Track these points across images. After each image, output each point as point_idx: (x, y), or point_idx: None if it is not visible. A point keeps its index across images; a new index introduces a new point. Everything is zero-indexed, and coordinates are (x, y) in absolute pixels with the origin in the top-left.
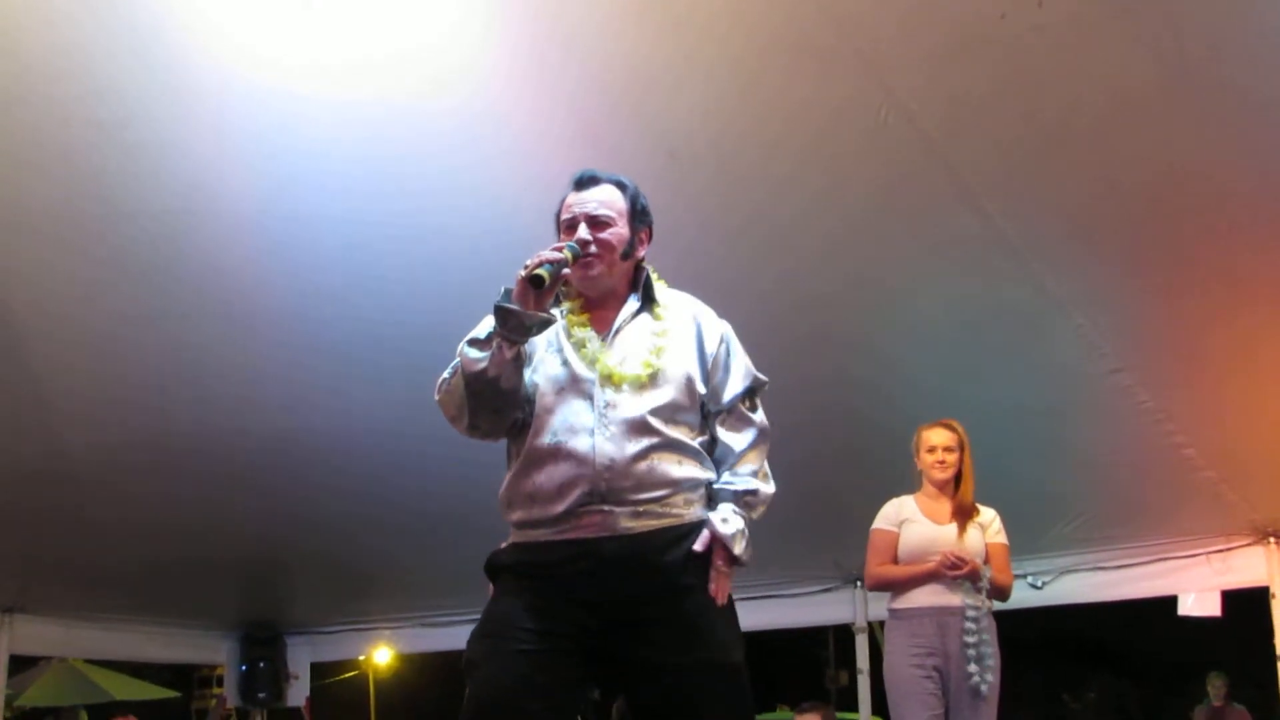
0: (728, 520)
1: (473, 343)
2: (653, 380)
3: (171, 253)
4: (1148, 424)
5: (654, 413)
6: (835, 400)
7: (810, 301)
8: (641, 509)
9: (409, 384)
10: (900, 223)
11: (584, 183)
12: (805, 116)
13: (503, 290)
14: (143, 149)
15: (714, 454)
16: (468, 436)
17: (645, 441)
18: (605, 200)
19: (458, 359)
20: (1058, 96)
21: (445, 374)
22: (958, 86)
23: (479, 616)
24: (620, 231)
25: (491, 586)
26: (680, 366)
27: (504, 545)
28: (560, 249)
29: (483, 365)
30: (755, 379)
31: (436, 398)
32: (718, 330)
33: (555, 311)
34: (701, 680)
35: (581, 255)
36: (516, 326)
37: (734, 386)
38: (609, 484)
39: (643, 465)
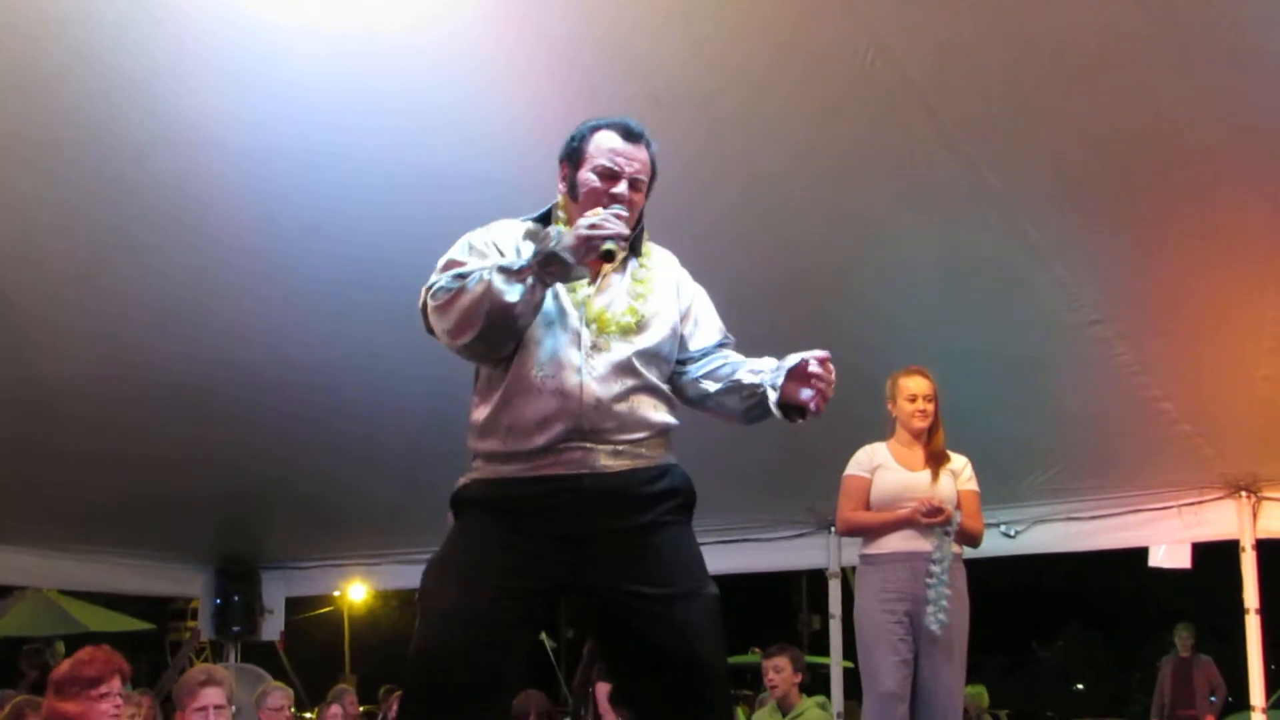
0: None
1: (503, 272)
2: (638, 326)
3: (150, 182)
4: (1124, 376)
5: (638, 356)
6: (812, 345)
7: (790, 246)
8: (620, 449)
9: (388, 320)
10: (883, 169)
11: (634, 135)
12: (789, 61)
13: (554, 233)
14: (125, 78)
15: (688, 394)
16: (453, 351)
17: (629, 383)
18: (645, 164)
19: (477, 278)
20: (1045, 46)
21: (444, 282)
22: (944, 33)
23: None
24: (642, 198)
25: (452, 517)
26: (662, 315)
27: (469, 479)
28: (621, 216)
29: (513, 301)
30: (725, 334)
31: (431, 304)
32: (693, 288)
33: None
34: (686, 609)
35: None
36: (559, 274)
37: (704, 339)
38: (592, 423)
39: (624, 406)
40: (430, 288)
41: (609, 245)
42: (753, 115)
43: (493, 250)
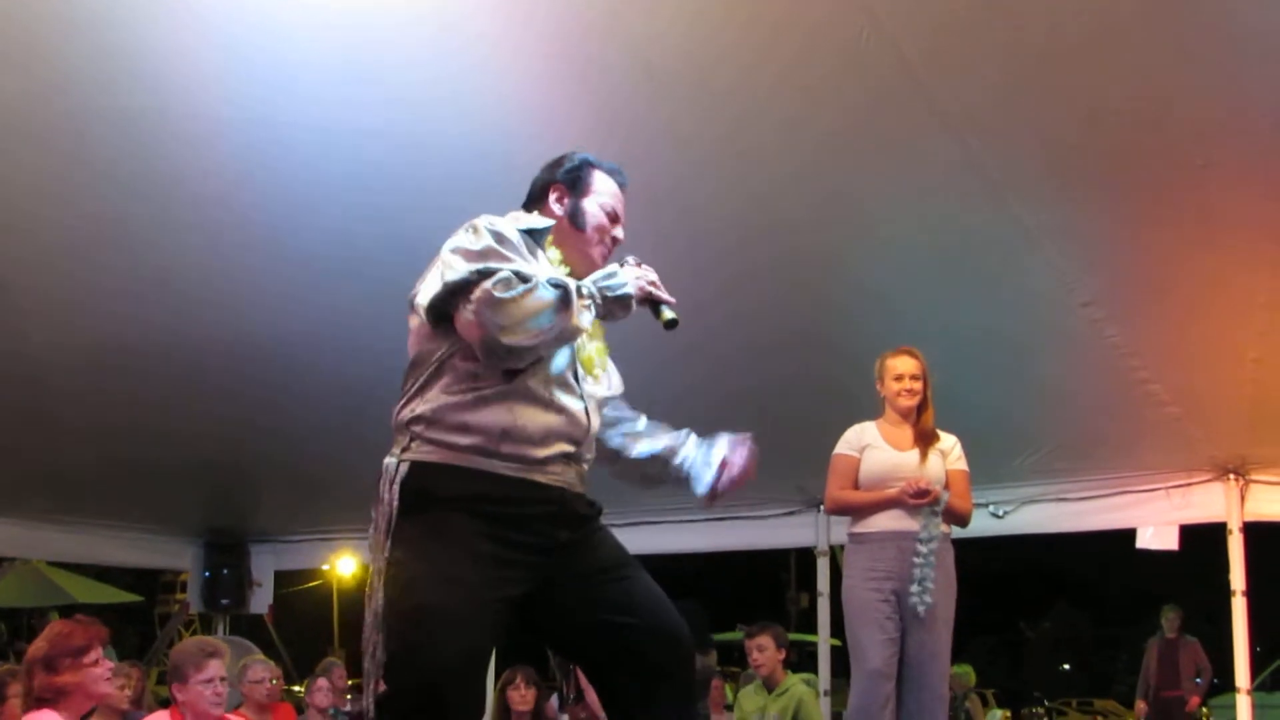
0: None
1: (580, 296)
2: (601, 372)
3: (142, 154)
4: (1114, 358)
5: (601, 400)
6: (803, 324)
7: (782, 224)
8: (583, 473)
9: (379, 295)
10: (876, 147)
11: (624, 187)
12: (783, 37)
13: (620, 275)
14: (118, 49)
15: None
16: (485, 348)
17: (599, 419)
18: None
19: (544, 285)
20: (1039, 25)
21: (507, 275)
22: (939, 11)
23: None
24: None
25: (394, 501)
26: (610, 365)
27: (430, 461)
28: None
29: (584, 327)
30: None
31: (495, 293)
32: None
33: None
34: (647, 584)
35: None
36: (618, 316)
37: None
38: (581, 451)
39: (595, 439)
40: (485, 273)
41: (673, 315)
42: (745, 92)
43: (520, 250)
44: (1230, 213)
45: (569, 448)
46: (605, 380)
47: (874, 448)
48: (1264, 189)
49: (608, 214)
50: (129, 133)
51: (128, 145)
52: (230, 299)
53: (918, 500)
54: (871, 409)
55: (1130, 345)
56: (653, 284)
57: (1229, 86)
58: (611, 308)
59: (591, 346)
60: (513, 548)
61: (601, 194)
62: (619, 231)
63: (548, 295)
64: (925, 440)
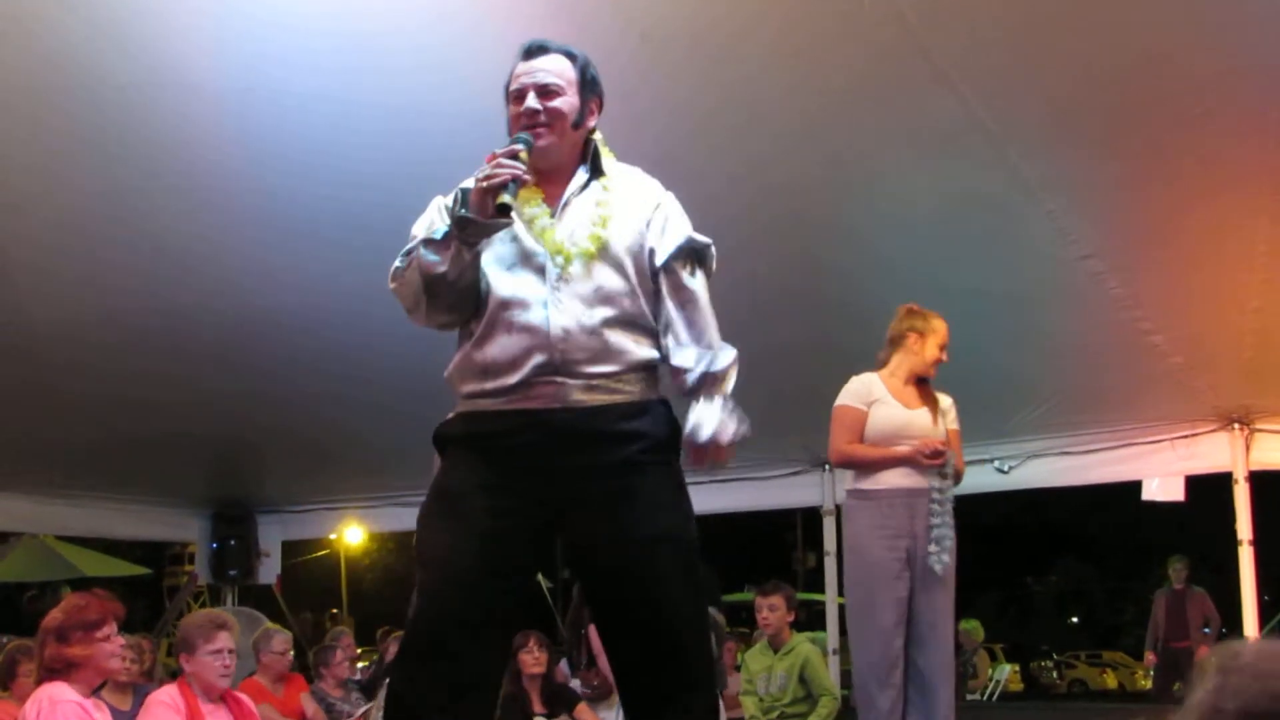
0: (702, 422)
1: (428, 244)
2: (602, 252)
3: (136, 126)
4: (1116, 310)
5: (607, 285)
6: (805, 284)
7: (782, 185)
8: (595, 383)
9: (377, 263)
10: (875, 106)
11: (533, 51)
12: None
13: (458, 193)
14: (108, 19)
15: (660, 325)
16: (424, 327)
17: (599, 314)
18: (554, 69)
19: (414, 253)
20: None
21: (398, 263)
22: None
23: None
24: (571, 100)
25: (438, 459)
26: (628, 237)
27: (451, 416)
28: (515, 153)
29: (442, 269)
30: (691, 239)
31: (391, 286)
32: (658, 198)
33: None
34: (661, 554)
35: (533, 143)
36: (476, 233)
37: (668, 245)
38: (564, 355)
39: (597, 339)
40: (391, 272)
41: (503, 197)
42: (743, 53)
43: (442, 217)
44: (1230, 163)
45: (542, 358)
46: (614, 259)
47: (883, 403)
48: (1263, 139)
49: (512, 102)
50: (123, 106)
51: (122, 119)
52: (229, 269)
53: (931, 461)
54: (870, 367)
55: (1132, 297)
56: (486, 178)
57: (1228, 38)
58: (468, 234)
59: (578, 233)
60: (506, 476)
61: (511, 86)
62: (530, 102)
63: (406, 258)
64: (933, 401)
